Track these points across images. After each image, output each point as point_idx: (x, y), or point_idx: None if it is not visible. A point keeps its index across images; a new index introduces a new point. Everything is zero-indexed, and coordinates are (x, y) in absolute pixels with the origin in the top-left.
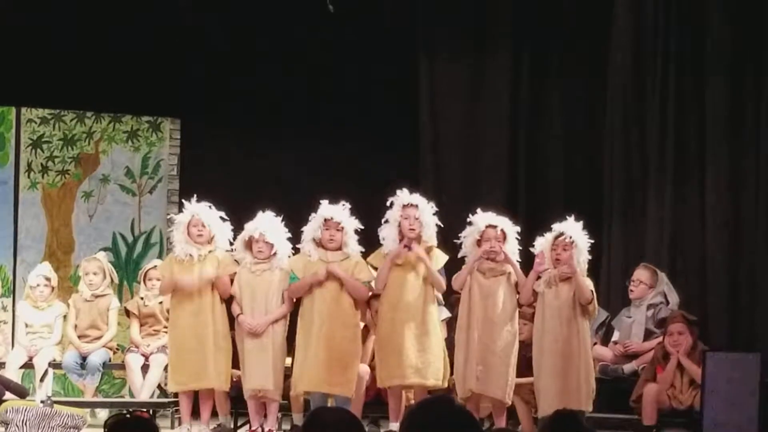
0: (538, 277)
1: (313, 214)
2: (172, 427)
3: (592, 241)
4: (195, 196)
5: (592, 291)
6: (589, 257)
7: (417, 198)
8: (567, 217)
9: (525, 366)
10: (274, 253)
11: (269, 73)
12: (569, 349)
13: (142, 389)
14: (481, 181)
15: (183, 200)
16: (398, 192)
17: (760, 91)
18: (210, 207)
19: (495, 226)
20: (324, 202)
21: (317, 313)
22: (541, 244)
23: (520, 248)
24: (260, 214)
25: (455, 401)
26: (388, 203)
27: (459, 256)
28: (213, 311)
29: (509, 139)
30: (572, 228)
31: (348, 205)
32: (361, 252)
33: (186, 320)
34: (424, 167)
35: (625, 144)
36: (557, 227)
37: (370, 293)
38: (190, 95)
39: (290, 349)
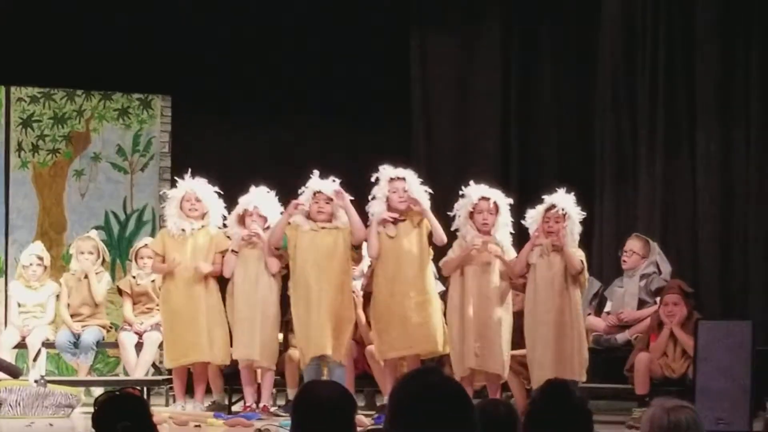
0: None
1: (303, 187)
2: (167, 405)
3: (585, 214)
4: (189, 171)
5: (582, 261)
6: (581, 228)
7: (403, 171)
8: (557, 189)
9: (516, 337)
10: (268, 227)
11: (260, 48)
12: (562, 320)
13: (137, 367)
14: (474, 155)
15: (175, 177)
16: (381, 168)
17: (749, 61)
18: (204, 182)
19: (488, 198)
20: (315, 173)
21: (312, 279)
22: (533, 216)
23: (512, 221)
24: (253, 189)
25: (444, 372)
26: (373, 179)
27: (452, 228)
28: (206, 286)
29: (501, 113)
30: (564, 200)
31: (338, 180)
32: None
33: (178, 295)
34: (416, 143)
35: (615, 116)
36: (549, 199)
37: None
38: (181, 72)
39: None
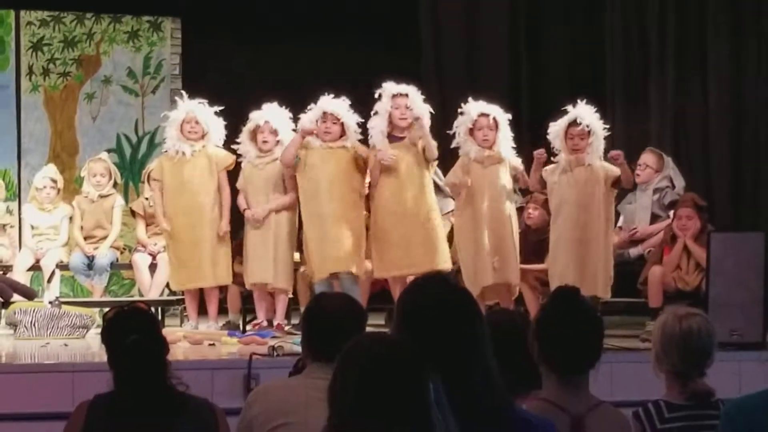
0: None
1: (312, 105)
2: (181, 325)
3: (608, 126)
4: (187, 95)
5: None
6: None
7: (406, 87)
8: (579, 101)
9: (532, 252)
10: (279, 141)
11: None
12: (587, 236)
13: (151, 288)
14: (484, 73)
15: (177, 99)
16: (384, 84)
17: None
18: (204, 104)
19: (487, 114)
20: (325, 96)
21: (324, 196)
22: (555, 131)
23: (513, 135)
24: (266, 105)
25: (450, 279)
26: (376, 95)
27: (452, 146)
28: (209, 209)
29: (510, 31)
30: (587, 114)
31: (347, 100)
32: None
33: (180, 220)
34: (426, 63)
35: (625, 30)
36: (571, 113)
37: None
38: None
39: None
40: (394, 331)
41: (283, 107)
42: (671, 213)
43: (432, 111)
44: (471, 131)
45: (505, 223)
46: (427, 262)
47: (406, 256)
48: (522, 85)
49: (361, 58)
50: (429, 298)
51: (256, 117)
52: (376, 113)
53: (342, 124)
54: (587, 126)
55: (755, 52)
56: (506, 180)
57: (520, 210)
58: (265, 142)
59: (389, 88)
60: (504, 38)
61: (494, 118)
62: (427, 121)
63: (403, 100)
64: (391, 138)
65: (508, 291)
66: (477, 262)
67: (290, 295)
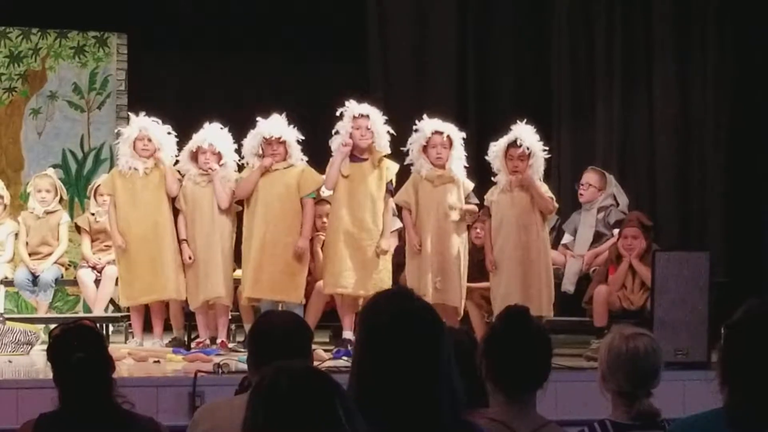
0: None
1: (251, 131)
2: (126, 342)
3: (548, 148)
4: (144, 112)
5: (551, 198)
6: (545, 165)
7: (367, 108)
8: (518, 121)
9: (477, 271)
10: (223, 164)
11: None
12: (529, 256)
13: (96, 304)
14: (431, 89)
15: (131, 115)
16: (347, 103)
17: None
18: (157, 122)
19: (441, 132)
20: (260, 120)
21: (262, 219)
22: (495, 151)
23: (467, 155)
24: (207, 125)
25: (413, 293)
26: (338, 114)
27: (405, 163)
28: (162, 224)
29: (457, 48)
30: (527, 135)
31: (284, 115)
32: (306, 161)
33: (134, 233)
34: (374, 79)
35: (572, 46)
36: (511, 133)
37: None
38: (137, 9)
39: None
40: (361, 346)
41: (231, 124)
42: (616, 232)
43: (393, 133)
44: (424, 149)
45: (450, 244)
46: (360, 287)
47: (346, 277)
48: (469, 103)
49: (311, 73)
50: (405, 309)
51: (198, 138)
52: (336, 133)
53: (284, 143)
54: (527, 148)
55: (701, 69)
56: (455, 201)
57: (468, 228)
58: (206, 163)
59: (351, 108)
60: (452, 57)
61: (448, 136)
62: (385, 143)
63: (364, 121)
64: (352, 157)
65: (455, 310)
66: (420, 279)
67: (234, 312)
